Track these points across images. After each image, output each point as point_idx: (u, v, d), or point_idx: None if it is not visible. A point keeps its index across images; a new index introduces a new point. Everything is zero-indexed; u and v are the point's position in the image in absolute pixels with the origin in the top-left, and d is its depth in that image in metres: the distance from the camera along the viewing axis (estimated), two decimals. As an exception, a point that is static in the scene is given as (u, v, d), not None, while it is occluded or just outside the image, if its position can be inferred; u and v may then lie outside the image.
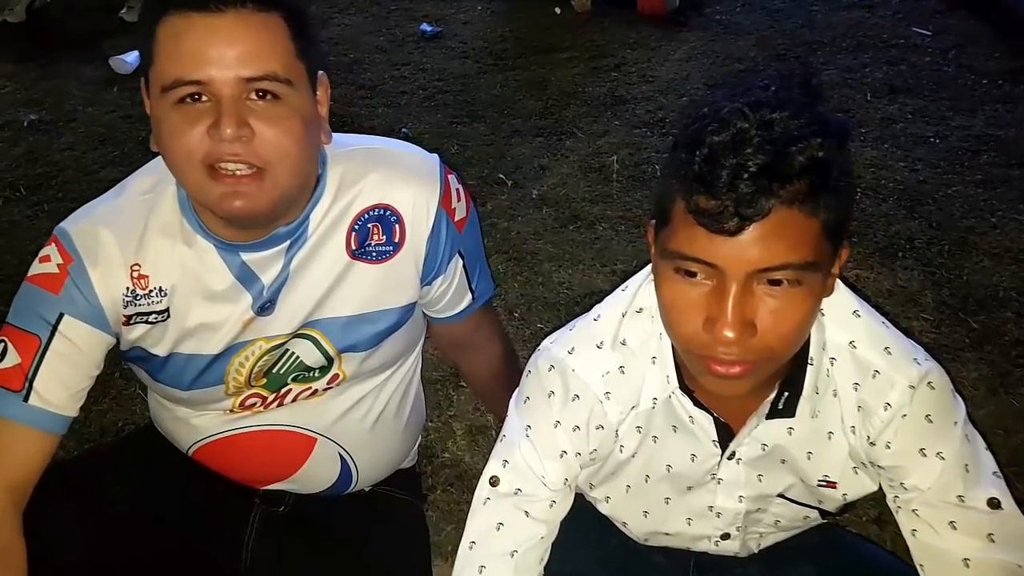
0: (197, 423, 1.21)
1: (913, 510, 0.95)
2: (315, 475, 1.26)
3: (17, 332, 1.08)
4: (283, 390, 1.18)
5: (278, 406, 1.19)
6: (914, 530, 0.95)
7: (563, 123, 2.95)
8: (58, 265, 1.07)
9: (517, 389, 1.06)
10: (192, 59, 0.94)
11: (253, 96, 0.96)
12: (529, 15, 3.75)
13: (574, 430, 0.99)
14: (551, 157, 2.77)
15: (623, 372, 0.97)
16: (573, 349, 0.99)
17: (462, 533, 1.03)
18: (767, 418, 0.95)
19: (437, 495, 1.72)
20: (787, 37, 3.39)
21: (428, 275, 1.18)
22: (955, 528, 0.92)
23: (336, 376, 1.19)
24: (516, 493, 1.00)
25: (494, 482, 1.01)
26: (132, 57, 3.41)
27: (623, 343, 0.98)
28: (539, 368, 1.01)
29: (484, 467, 1.03)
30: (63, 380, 1.08)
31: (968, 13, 3.45)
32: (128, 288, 1.08)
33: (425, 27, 3.63)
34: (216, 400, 1.17)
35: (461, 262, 1.20)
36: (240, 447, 1.22)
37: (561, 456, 0.99)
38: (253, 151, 0.96)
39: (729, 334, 0.80)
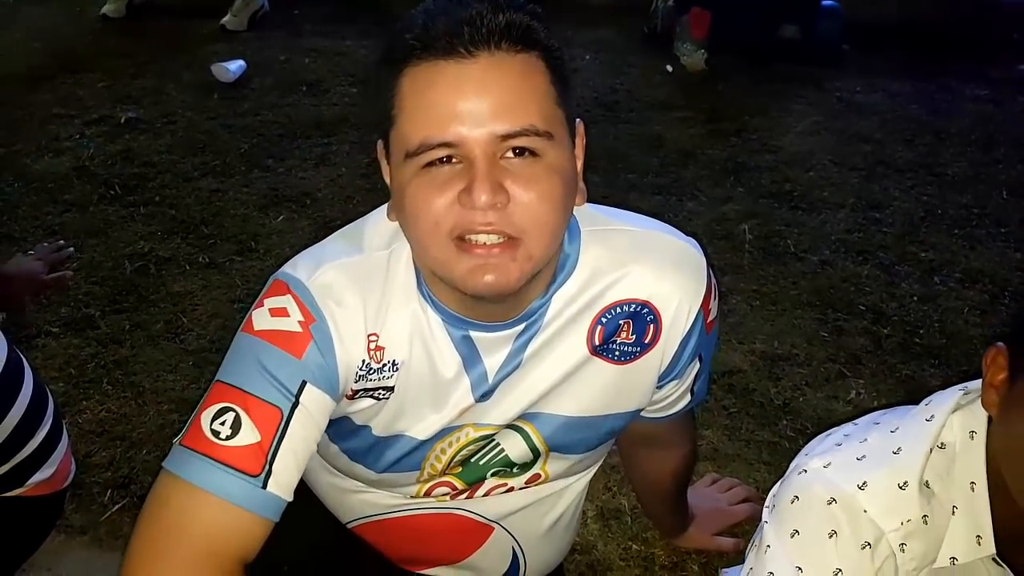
0: (370, 499, 1.06)
1: None
2: (483, 565, 1.11)
3: (253, 401, 0.87)
4: (478, 483, 1.03)
5: (467, 499, 1.04)
6: None
7: (682, 184, 2.81)
8: (299, 323, 0.89)
9: (772, 509, 0.91)
10: (439, 117, 0.80)
11: (509, 154, 0.82)
12: (639, 70, 3.63)
13: None
14: (672, 218, 2.61)
15: (926, 523, 0.83)
16: (865, 484, 0.84)
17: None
18: None
19: (570, 584, 1.53)
20: (912, 122, 3.25)
21: (665, 378, 1.03)
22: None
23: (537, 476, 1.04)
24: None
25: None
26: (235, 66, 3.32)
27: (927, 485, 0.83)
28: (814, 498, 0.86)
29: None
30: (298, 459, 0.89)
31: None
32: (364, 360, 0.93)
33: (533, 70, 3.54)
34: (403, 484, 1.02)
35: (698, 366, 1.05)
36: (412, 528, 1.07)
37: None
38: (508, 219, 0.82)
39: None
